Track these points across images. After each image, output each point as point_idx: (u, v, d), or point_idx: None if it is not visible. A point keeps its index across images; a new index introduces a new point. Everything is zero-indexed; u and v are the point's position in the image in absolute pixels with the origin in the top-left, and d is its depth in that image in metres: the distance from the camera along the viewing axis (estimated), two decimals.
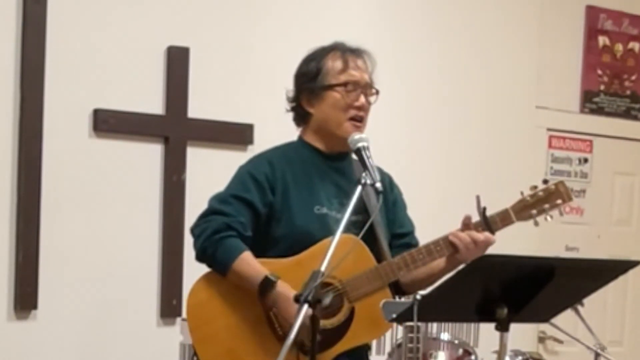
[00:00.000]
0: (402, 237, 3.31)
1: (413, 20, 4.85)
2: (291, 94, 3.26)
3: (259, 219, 3.14)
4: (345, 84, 3.17)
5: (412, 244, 3.29)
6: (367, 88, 3.20)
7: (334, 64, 3.19)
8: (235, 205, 3.11)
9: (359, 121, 3.17)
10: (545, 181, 3.17)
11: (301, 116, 3.25)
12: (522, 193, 3.16)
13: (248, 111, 4.28)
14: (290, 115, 3.29)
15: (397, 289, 3.21)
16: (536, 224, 3.18)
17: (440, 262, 3.16)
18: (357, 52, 3.23)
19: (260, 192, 3.13)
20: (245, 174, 3.18)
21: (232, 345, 3.10)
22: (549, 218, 3.16)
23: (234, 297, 3.10)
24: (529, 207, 3.14)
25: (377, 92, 3.22)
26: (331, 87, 3.17)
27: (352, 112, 3.16)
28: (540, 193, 3.15)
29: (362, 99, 3.18)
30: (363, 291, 3.10)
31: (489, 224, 3.12)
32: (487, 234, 3.11)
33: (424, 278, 3.19)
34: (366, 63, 3.23)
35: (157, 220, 4.16)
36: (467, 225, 3.13)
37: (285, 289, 2.99)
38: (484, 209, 3.12)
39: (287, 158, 3.21)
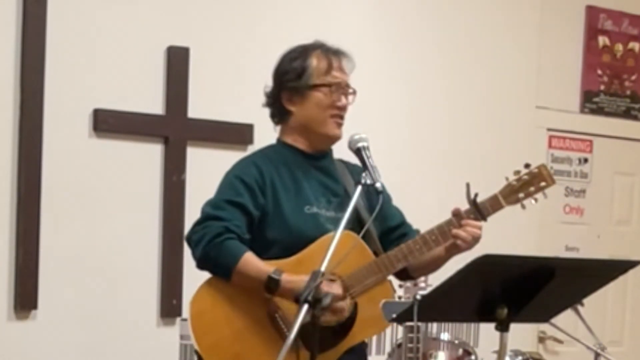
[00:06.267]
0: (396, 230, 3.34)
1: (412, 20, 4.85)
2: (269, 90, 3.28)
3: (253, 222, 3.15)
4: (329, 85, 3.20)
5: (407, 232, 3.33)
6: (347, 89, 3.24)
7: (319, 64, 3.22)
8: (229, 210, 3.12)
9: (339, 120, 3.22)
10: (527, 165, 3.23)
11: (280, 114, 3.26)
12: (507, 178, 3.22)
13: (248, 111, 4.27)
14: None
15: (405, 274, 3.23)
16: (523, 207, 3.23)
17: (440, 250, 3.19)
18: (339, 54, 3.26)
19: (252, 196, 3.14)
20: (234, 178, 3.19)
21: (238, 349, 3.10)
22: (533, 201, 3.23)
23: (237, 302, 3.11)
24: (516, 191, 3.21)
25: (355, 92, 3.26)
26: (316, 87, 3.20)
27: (334, 112, 3.21)
28: (525, 177, 3.22)
29: (344, 99, 3.23)
30: (364, 286, 3.12)
31: (480, 210, 3.17)
32: (476, 222, 3.16)
33: (429, 262, 3.23)
34: (348, 65, 3.27)
35: (157, 220, 4.16)
36: (458, 215, 3.16)
37: (290, 285, 3.00)
38: (476, 195, 3.15)
39: (271, 161, 3.23)
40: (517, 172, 3.21)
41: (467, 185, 3.16)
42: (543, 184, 3.21)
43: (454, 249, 3.18)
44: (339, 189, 3.23)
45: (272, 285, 3.03)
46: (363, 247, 3.14)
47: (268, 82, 3.32)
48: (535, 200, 3.22)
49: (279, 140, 3.30)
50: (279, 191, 3.17)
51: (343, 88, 3.23)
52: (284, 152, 3.25)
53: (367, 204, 3.17)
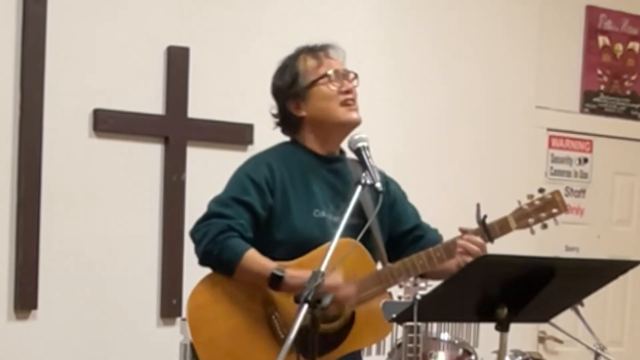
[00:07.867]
0: (410, 233, 3.33)
1: (412, 20, 4.85)
2: (276, 110, 3.29)
3: (259, 222, 3.14)
4: (325, 75, 3.20)
5: (423, 235, 3.32)
6: (346, 74, 3.24)
7: (306, 63, 3.23)
8: (235, 208, 3.11)
9: (350, 104, 3.21)
10: (541, 190, 3.20)
11: (293, 123, 3.25)
12: (519, 202, 3.19)
13: (248, 111, 4.28)
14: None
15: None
16: (532, 232, 3.21)
17: (451, 264, 3.16)
18: (323, 47, 3.27)
19: (260, 196, 3.13)
20: (244, 176, 3.18)
21: (233, 347, 3.10)
22: (543, 228, 3.20)
23: (235, 300, 3.11)
24: (526, 216, 3.18)
25: (357, 76, 3.25)
26: (314, 83, 3.20)
27: (342, 98, 3.21)
28: (537, 202, 3.19)
29: (348, 84, 3.22)
30: (364, 296, 3.11)
31: (489, 232, 3.14)
32: (481, 242, 3.13)
33: (437, 273, 3.18)
34: (336, 53, 3.27)
35: (157, 220, 4.15)
36: (465, 234, 3.14)
37: (294, 281, 2.98)
38: (485, 217, 3.13)
39: (284, 161, 3.21)
40: (530, 196, 3.18)
41: (477, 206, 3.13)
42: (555, 210, 3.18)
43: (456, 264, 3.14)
44: (350, 193, 3.20)
45: (275, 281, 3.03)
46: (366, 257, 3.13)
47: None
48: (545, 226, 3.20)
49: (294, 139, 3.29)
50: (289, 193, 3.16)
51: (342, 74, 3.22)
52: (298, 153, 3.24)
53: (375, 207, 3.15)
